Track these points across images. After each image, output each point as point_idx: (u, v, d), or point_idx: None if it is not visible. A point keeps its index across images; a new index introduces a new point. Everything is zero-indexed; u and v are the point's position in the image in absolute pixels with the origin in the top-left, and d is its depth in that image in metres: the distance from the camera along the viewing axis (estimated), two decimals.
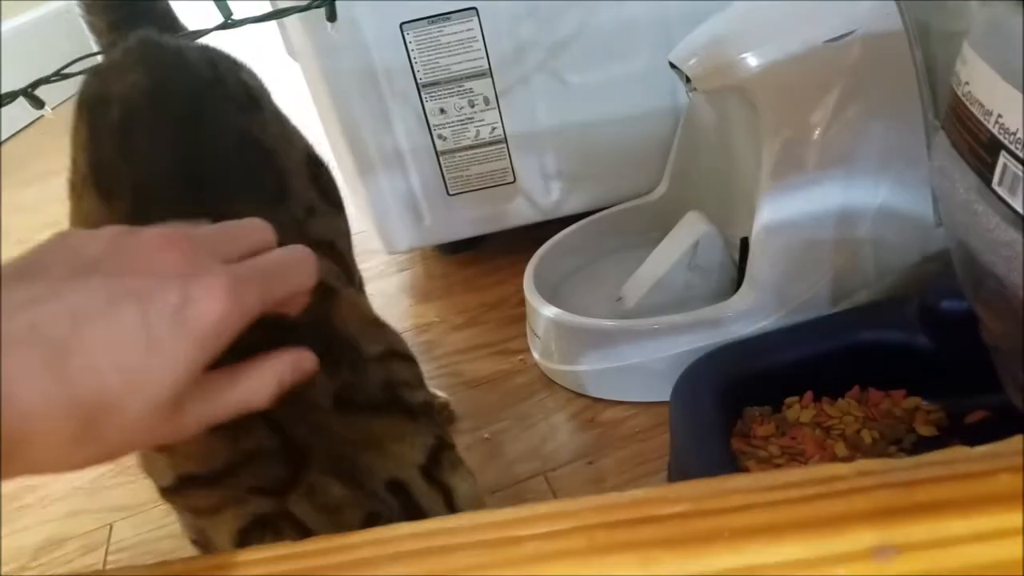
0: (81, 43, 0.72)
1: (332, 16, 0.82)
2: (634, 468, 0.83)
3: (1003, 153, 0.45)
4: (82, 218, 0.59)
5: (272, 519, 0.47)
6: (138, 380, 0.31)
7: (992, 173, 0.46)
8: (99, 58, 0.68)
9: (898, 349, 0.73)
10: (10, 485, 0.98)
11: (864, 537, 0.29)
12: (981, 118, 0.47)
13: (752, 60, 0.77)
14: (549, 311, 0.93)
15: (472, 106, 1.02)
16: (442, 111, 1.02)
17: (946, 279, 0.66)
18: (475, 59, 0.98)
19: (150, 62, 0.61)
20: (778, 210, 0.79)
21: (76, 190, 0.60)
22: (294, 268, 0.38)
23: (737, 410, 0.75)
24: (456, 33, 0.96)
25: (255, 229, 0.39)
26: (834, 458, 0.70)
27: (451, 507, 0.50)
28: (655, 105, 1.05)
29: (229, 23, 0.73)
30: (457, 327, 1.10)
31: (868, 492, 0.30)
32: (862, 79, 0.76)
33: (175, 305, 0.32)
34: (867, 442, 0.70)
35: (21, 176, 1.92)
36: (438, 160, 1.06)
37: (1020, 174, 0.43)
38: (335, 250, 0.63)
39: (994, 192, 0.46)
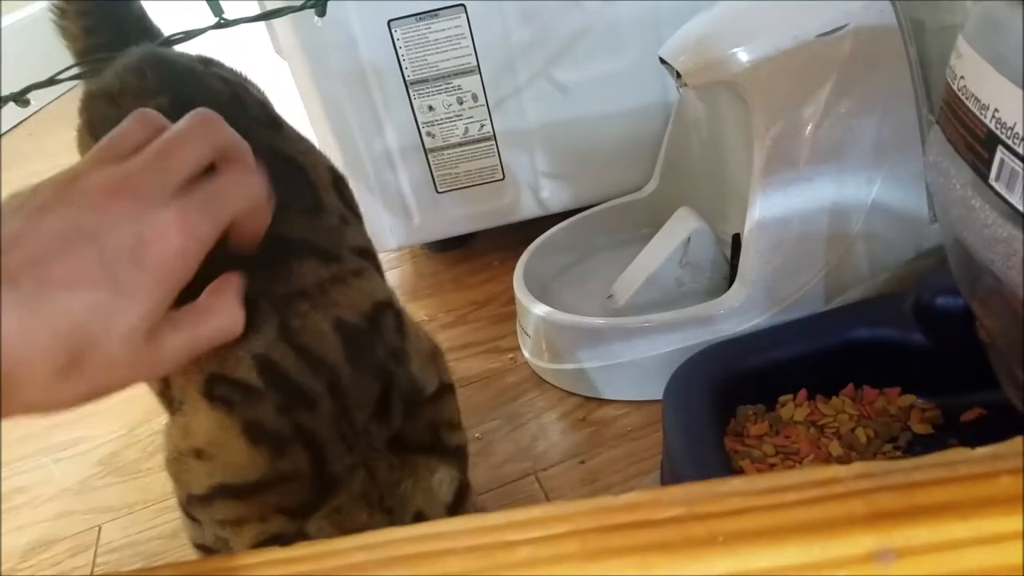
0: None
1: (322, 12, 0.82)
2: (627, 467, 0.82)
3: (1000, 148, 0.44)
4: None
5: (287, 538, 0.47)
6: (108, 315, 0.33)
7: (989, 168, 0.46)
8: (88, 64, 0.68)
9: (893, 346, 0.73)
10: None
11: (863, 541, 0.28)
12: (977, 112, 0.47)
13: (743, 55, 0.76)
14: (539, 309, 0.92)
15: (461, 103, 1.01)
16: (430, 108, 1.01)
17: (941, 275, 0.66)
18: (463, 56, 0.98)
19: (170, 85, 0.60)
20: (770, 206, 0.79)
21: None
22: (239, 188, 0.39)
23: (730, 409, 0.75)
24: (444, 30, 0.96)
25: (192, 140, 0.40)
26: (828, 457, 0.69)
27: None
28: (645, 101, 1.04)
29: (222, 23, 0.72)
30: (446, 325, 1.10)
31: (867, 495, 0.30)
32: (855, 74, 0.75)
33: (131, 248, 0.33)
34: (862, 441, 0.70)
35: (7, 176, 1.90)
36: (427, 157, 1.05)
37: (1018, 169, 0.42)
38: (374, 257, 0.62)
39: (991, 188, 0.45)
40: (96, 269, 0.32)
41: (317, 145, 0.65)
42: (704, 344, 0.79)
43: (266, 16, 0.77)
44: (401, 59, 0.97)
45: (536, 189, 1.10)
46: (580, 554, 0.30)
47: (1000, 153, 0.44)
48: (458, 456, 0.57)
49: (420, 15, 0.95)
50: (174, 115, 0.49)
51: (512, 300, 1.01)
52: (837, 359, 0.75)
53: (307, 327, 0.50)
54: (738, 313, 0.82)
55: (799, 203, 0.78)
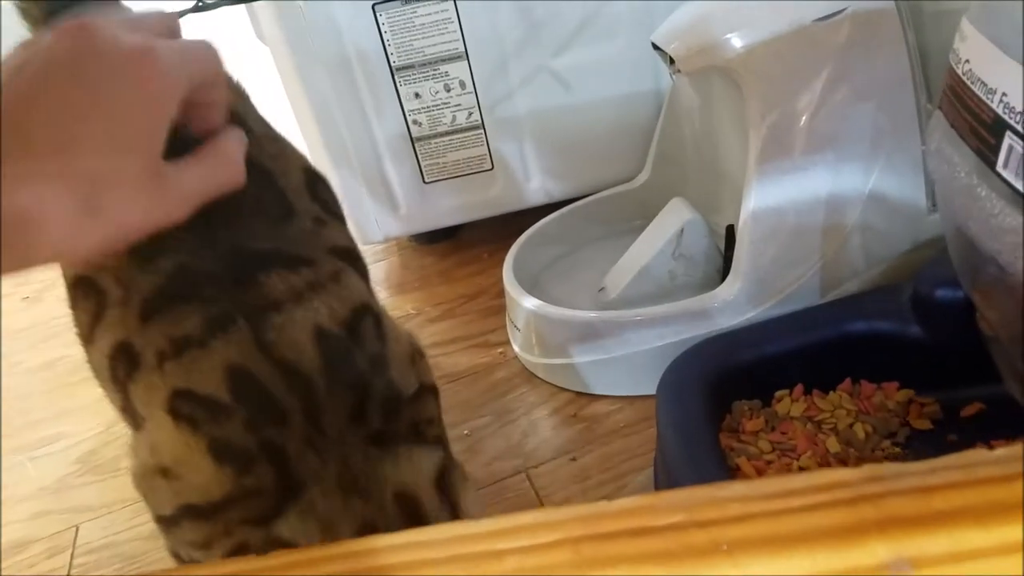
0: None
1: None
2: (619, 464, 0.81)
3: (1008, 133, 0.43)
4: None
5: (256, 545, 0.48)
6: (116, 146, 0.35)
7: (996, 155, 0.44)
8: None
9: (890, 340, 0.72)
10: None
11: (875, 549, 0.27)
12: (983, 97, 0.45)
13: (737, 40, 0.75)
14: (529, 302, 0.91)
15: (448, 90, 0.99)
16: (417, 96, 0.99)
17: (940, 267, 0.65)
18: (451, 41, 0.96)
19: None
20: (765, 197, 0.77)
21: None
22: (200, 52, 0.41)
23: (725, 404, 0.74)
24: (431, 14, 0.94)
25: (156, 19, 0.43)
26: (826, 453, 0.68)
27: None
28: (637, 88, 1.03)
29: (200, 6, 0.71)
30: (434, 319, 1.09)
31: (877, 499, 0.29)
32: (852, 60, 0.74)
33: (124, 76, 0.35)
34: (860, 436, 0.68)
35: None
36: (413, 147, 1.03)
37: None
38: (357, 258, 0.61)
39: (998, 175, 0.44)
40: (95, 96, 0.34)
41: (299, 135, 0.63)
42: (698, 338, 0.78)
43: None
44: (386, 44, 0.95)
45: (526, 179, 1.08)
46: (572, 564, 0.29)
47: (1008, 139, 0.43)
48: (439, 442, 0.56)
49: None
50: None
51: (502, 293, 0.99)
52: (834, 353, 0.74)
53: (283, 339, 0.49)
54: (732, 306, 0.81)
55: (794, 193, 0.77)
